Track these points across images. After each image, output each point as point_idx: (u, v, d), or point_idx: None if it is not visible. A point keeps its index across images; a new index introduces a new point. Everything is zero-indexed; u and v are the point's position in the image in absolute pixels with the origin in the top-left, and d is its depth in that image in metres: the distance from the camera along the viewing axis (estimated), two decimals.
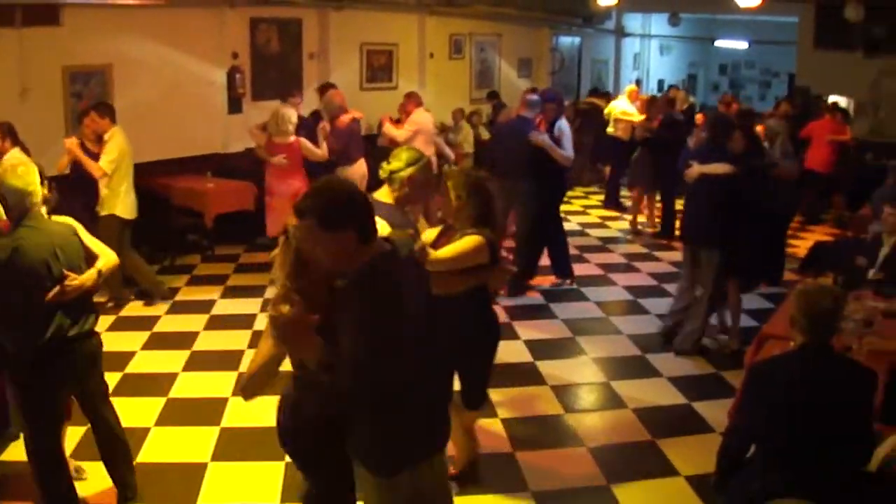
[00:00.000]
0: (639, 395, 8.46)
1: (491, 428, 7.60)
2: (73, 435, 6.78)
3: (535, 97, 11.55)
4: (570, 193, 16.82)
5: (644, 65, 27.79)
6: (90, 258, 5.72)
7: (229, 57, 13.63)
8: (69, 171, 9.86)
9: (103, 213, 9.90)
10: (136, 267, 10.54)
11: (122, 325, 9.94)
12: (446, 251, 5.87)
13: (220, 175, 13.08)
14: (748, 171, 9.11)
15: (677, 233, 13.08)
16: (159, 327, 9.99)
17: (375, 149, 12.76)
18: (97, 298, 6.88)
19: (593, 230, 15.63)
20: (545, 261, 11.88)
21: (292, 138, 11.18)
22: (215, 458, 6.96)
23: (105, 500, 6.21)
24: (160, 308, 10.53)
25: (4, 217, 5.58)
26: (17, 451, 6.44)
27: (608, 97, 19.83)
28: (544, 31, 21.79)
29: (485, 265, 6.01)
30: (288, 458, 5.57)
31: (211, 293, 11.18)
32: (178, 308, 10.65)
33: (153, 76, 12.43)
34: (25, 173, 5.44)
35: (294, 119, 11.40)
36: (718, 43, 28.84)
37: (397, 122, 13.26)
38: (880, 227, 8.88)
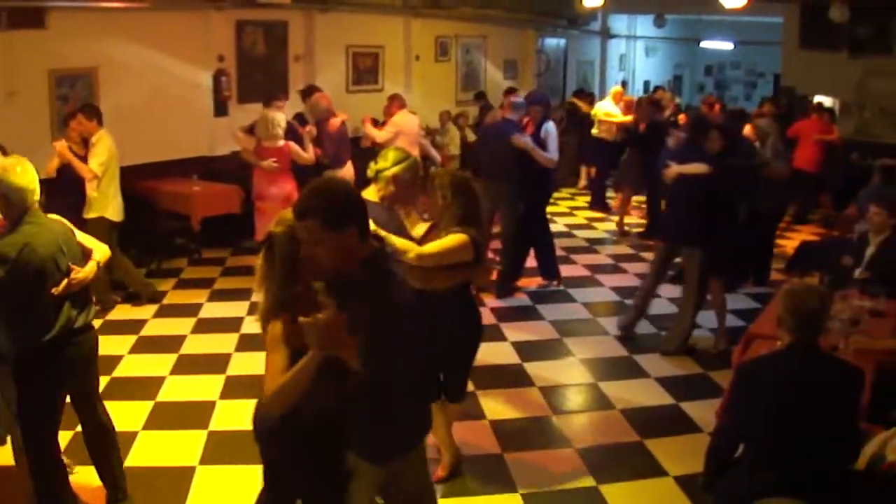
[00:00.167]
0: (626, 395, 8.48)
1: (479, 429, 7.63)
2: (62, 438, 6.76)
3: (519, 100, 11.62)
4: (556, 195, 16.85)
5: (630, 66, 27.82)
6: (84, 253, 5.77)
7: (215, 60, 13.60)
8: (55, 174, 9.84)
9: (92, 215, 9.86)
10: (124, 269, 10.54)
11: (109, 328, 9.88)
12: (430, 248, 5.99)
13: (207, 178, 13.07)
14: (726, 170, 9.16)
15: None
16: (146, 331, 9.98)
17: (359, 150, 12.74)
18: None
19: (580, 231, 15.65)
20: (532, 262, 11.89)
21: (282, 142, 11.15)
22: (203, 461, 6.96)
23: (94, 502, 6.20)
24: (147, 311, 10.52)
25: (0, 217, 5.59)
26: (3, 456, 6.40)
27: (591, 98, 19.87)
28: (530, 32, 21.81)
29: (469, 263, 6.12)
30: None
31: (198, 297, 11.16)
32: (166, 311, 10.64)
33: (139, 79, 12.40)
34: (25, 171, 5.43)
35: (283, 123, 11.37)
36: (704, 44, 28.90)
37: (382, 124, 13.28)
38: (866, 226, 8.91)
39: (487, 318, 10.10)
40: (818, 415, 4.66)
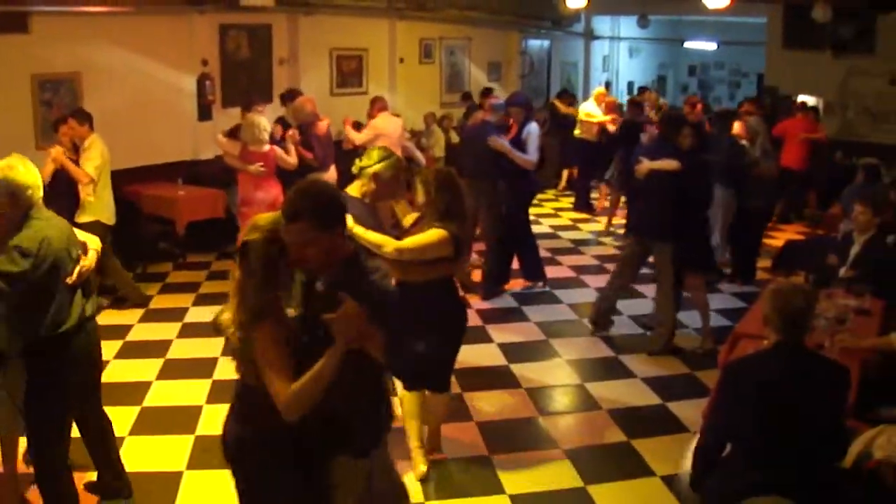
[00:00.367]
0: (613, 396, 8.49)
1: (466, 431, 7.63)
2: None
3: (498, 101, 11.67)
4: (540, 196, 16.87)
5: (613, 67, 27.83)
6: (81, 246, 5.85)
7: (199, 64, 13.56)
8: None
9: (87, 219, 9.81)
10: (116, 272, 10.53)
11: None
12: (409, 242, 6.29)
13: (191, 182, 13.04)
14: (696, 166, 9.28)
15: None
16: (132, 336, 9.95)
17: (342, 153, 12.74)
18: None
19: (565, 232, 15.67)
20: (517, 264, 11.90)
21: (267, 147, 11.12)
22: (191, 466, 6.94)
23: None
24: (133, 316, 10.49)
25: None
26: None
27: (571, 99, 19.87)
28: (514, 34, 21.81)
29: (448, 258, 6.36)
30: None
31: (183, 301, 11.13)
32: (151, 316, 10.61)
33: (123, 84, 12.38)
34: (28, 169, 5.49)
35: (269, 127, 11.35)
36: (687, 44, 28.89)
37: (364, 127, 13.32)
38: (851, 225, 8.95)
39: (474, 319, 10.11)
40: (805, 413, 4.67)
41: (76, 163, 9.91)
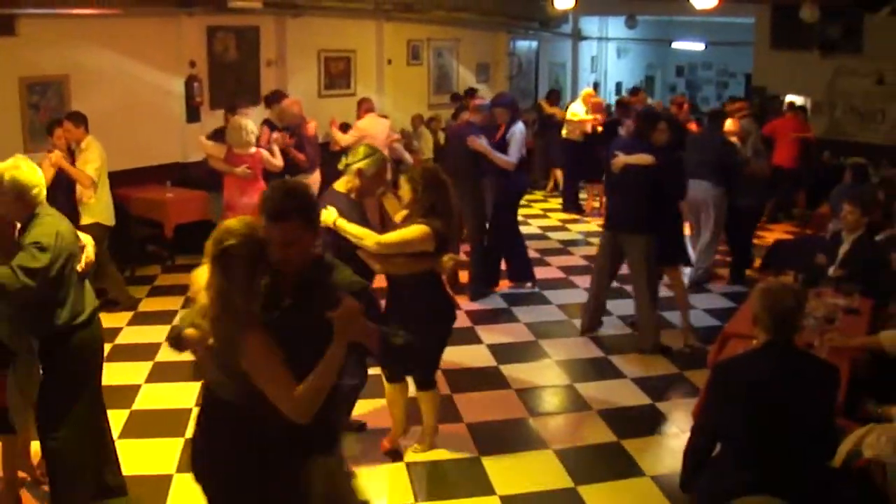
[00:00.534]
0: (603, 396, 8.50)
1: (456, 432, 7.63)
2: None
3: (483, 102, 11.71)
4: (529, 197, 16.88)
5: (601, 67, 27.83)
6: None
7: (187, 66, 13.52)
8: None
9: (87, 221, 9.82)
10: (111, 274, 10.51)
11: None
12: (391, 236, 6.52)
13: (180, 185, 13.01)
14: (670, 162, 9.39)
15: None
16: (121, 339, 9.93)
17: (329, 155, 12.73)
18: None
19: (553, 233, 15.68)
20: (505, 265, 11.90)
21: (253, 149, 11.08)
22: (180, 469, 6.91)
23: None
24: (122, 319, 10.47)
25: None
26: None
27: (557, 99, 19.84)
28: (502, 35, 21.79)
29: (431, 253, 6.54)
30: None
31: (172, 304, 11.08)
32: (140, 319, 10.59)
33: (111, 86, 12.35)
34: (31, 169, 5.57)
35: (255, 129, 11.31)
36: (675, 45, 28.87)
37: (349, 128, 13.34)
38: (839, 225, 8.98)
39: (463, 320, 10.12)
40: (795, 413, 4.68)
41: (73, 165, 9.93)
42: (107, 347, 9.34)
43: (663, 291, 10.04)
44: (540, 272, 12.41)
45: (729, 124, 12.23)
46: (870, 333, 6.81)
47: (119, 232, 10.95)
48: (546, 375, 9.13)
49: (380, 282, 7.00)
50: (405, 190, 6.68)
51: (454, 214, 6.81)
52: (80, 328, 5.71)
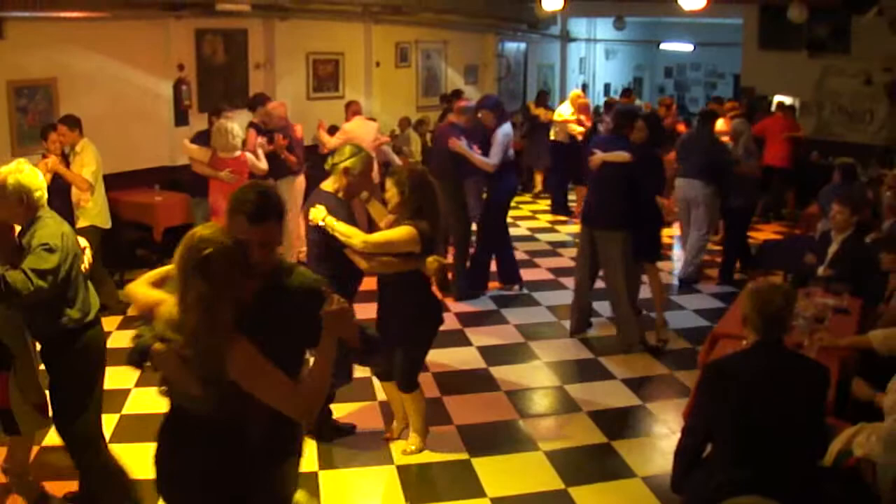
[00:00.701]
0: (593, 397, 8.51)
1: (446, 434, 7.63)
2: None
3: (467, 104, 11.77)
4: (517, 199, 16.86)
5: (590, 69, 27.83)
6: None
7: (175, 69, 13.49)
8: None
9: (83, 224, 9.85)
10: (102, 279, 10.47)
11: None
12: (377, 237, 6.64)
13: (168, 188, 12.98)
14: (646, 159, 9.47)
15: None
16: (111, 343, 9.77)
17: (319, 157, 12.71)
18: None
19: (542, 235, 15.69)
20: (495, 266, 11.90)
21: (238, 153, 11.04)
22: None
23: None
24: (111, 323, 10.41)
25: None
26: None
27: (545, 101, 19.83)
28: (490, 37, 21.78)
29: (417, 254, 6.64)
30: None
31: None
32: (129, 323, 10.55)
33: (99, 89, 12.30)
34: (32, 171, 5.63)
35: (241, 133, 11.28)
36: (664, 46, 28.91)
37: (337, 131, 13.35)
38: (829, 224, 9.01)
39: (452, 322, 10.14)
40: (785, 413, 4.69)
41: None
42: None
43: (645, 292, 10.07)
44: (529, 274, 12.43)
45: (720, 124, 12.30)
46: (859, 333, 6.83)
47: (109, 236, 10.92)
48: (536, 377, 9.13)
49: (367, 284, 7.04)
50: (392, 192, 6.74)
51: (440, 216, 6.88)
52: (89, 327, 5.82)
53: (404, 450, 7.22)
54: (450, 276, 11.24)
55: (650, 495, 6.61)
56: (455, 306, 11.02)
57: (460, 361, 9.32)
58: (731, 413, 4.77)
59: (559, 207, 17.48)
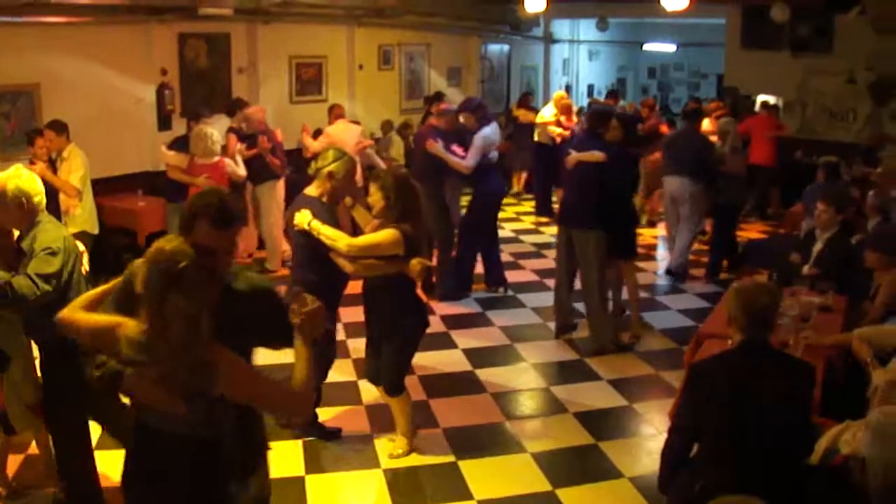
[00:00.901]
0: (579, 398, 8.50)
1: (433, 437, 7.62)
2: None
3: (449, 107, 11.87)
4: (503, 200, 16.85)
5: (573, 70, 27.84)
6: None
7: (158, 73, 13.46)
8: None
9: (72, 230, 9.74)
10: (97, 285, 10.45)
11: None
12: (361, 240, 6.71)
13: (152, 193, 12.93)
14: (620, 158, 9.56)
15: None
16: None
17: (304, 160, 12.70)
18: None
19: (527, 236, 15.69)
20: (479, 269, 11.90)
21: (217, 158, 10.99)
22: None
23: None
24: None
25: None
26: None
27: (528, 103, 19.82)
28: (473, 39, 21.78)
29: (401, 256, 6.66)
30: None
31: None
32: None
33: (82, 94, 12.24)
34: (30, 177, 5.67)
35: (220, 138, 11.24)
36: (647, 47, 28.95)
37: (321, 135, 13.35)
38: (813, 223, 9.03)
39: (437, 325, 10.11)
40: (771, 412, 4.69)
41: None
42: None
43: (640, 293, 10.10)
44: (514, 275, 12.44)
45: (706, 124, 12.34)
46: (844, 331, 6.84)
47: (95, 241, 10.89)
48: (522, 379, 9.12)
49: (352, 287, 7.04)
50: (377, 197, 6.78)
51: (424, 218, 6.93)
52: None
53: (391, 453, 7.22)
54: (433, 278, 11.33)
55: (637, 496, 6.62)
56: (440, 309, 11.01)
57: (446, 364, 9.32)
58: (718, 412, 4.78)
59: (543, 209, 17.43)
